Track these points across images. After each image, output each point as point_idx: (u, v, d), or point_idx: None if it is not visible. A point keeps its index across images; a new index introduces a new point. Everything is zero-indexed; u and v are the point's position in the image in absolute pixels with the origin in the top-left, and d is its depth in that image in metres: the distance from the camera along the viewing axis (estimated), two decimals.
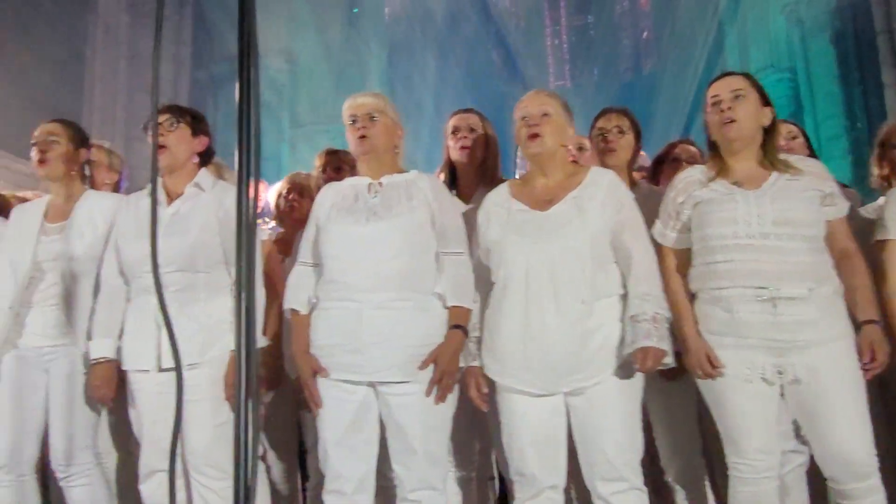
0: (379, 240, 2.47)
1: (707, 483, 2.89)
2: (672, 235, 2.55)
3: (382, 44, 16.23)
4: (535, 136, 2.48)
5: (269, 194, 3.77)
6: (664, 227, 2.57)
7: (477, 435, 2.90)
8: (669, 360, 2.33)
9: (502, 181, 2.95)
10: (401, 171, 2.64)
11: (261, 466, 2.95)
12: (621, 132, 3.02)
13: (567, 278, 2.34)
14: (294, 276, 2.61)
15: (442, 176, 3.10)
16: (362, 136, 2.57)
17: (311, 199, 3.46)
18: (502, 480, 3.20)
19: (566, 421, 2.39)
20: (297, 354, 2.56)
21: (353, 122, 2.59)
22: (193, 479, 2.60)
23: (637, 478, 2.35)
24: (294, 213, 3.43)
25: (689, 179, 2.54)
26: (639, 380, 2.40)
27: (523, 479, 2.40)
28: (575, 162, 3.18)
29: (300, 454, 3.40)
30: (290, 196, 3.46)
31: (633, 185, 2.98)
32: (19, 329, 2.84)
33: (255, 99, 1.08)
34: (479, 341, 2.50)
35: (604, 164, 2.97)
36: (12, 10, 10.38)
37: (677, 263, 2.55)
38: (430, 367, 2.43)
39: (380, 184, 2.59)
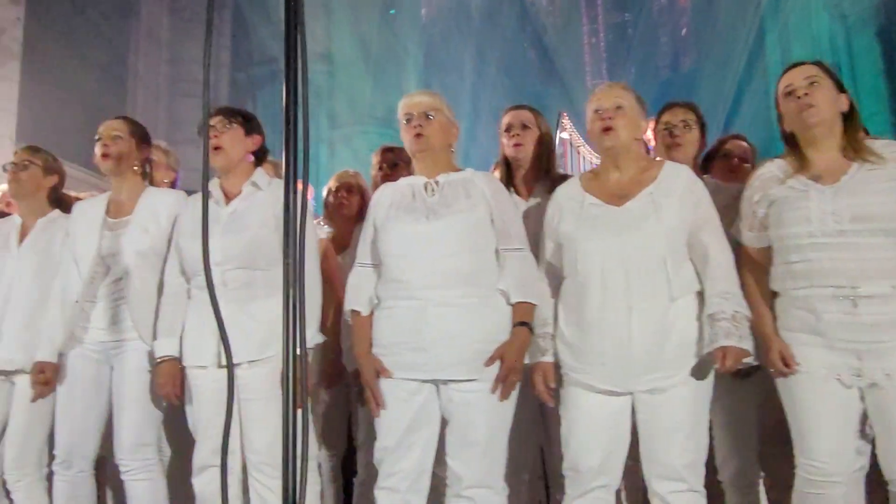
0: (440, 237, 2.46)
1: (762, 488, 2.83)
2: (750, 234, 2.50)
3: (419, 44, 16.27)
4: (608, 129, 2.44)
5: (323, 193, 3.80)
6: (743, 226, 2.51)
7: (533, 433, 2.89)
8: (752, 360, 2.30)
9: (559, 177, 2.95)
10: (456, 170, 2.64)
11: (312, 464, 2.97)
12: (687, 126, 2.96)
13: (643, 275, 2.32)
14: (354, 277, 2.62)
15: (498, 173, 3.09)
16: (418, 135, 2.56)
17: (360, 197, 3.49)
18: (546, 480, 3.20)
19: (631, 420, 2.37)
20: (359, 356, 2.56)
21: (409, 120, 2.59)
22: (251, 477, 2.62)
23: (697, 480, 2.33)
24: (343, 210, 3.47)
25: (766, 176, 2.46)
26: (710, 381, 2.37)
27: (576, 476, 2.38)
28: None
29: (347, 449, 3.42)
30: (339, 194, 3.49)
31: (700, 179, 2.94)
32: (84, 324, 2.88)
33: (304, 99, 1.09)
34: (550, 336, 2.48)
35: (670, 160, 2.93)
36: (58, 18, 10.61)
37: (760, 261, 2.49)
38: (495, 364, 2.41)
39: (436, 182, 2.59)
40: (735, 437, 2.75)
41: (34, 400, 2.88)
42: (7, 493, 3.03)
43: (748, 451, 2.76)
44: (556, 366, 2.49)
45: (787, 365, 2.32)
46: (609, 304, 2.33)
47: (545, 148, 3.01)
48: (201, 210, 2.80)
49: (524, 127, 2.98)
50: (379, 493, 2.46)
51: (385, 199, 2.63)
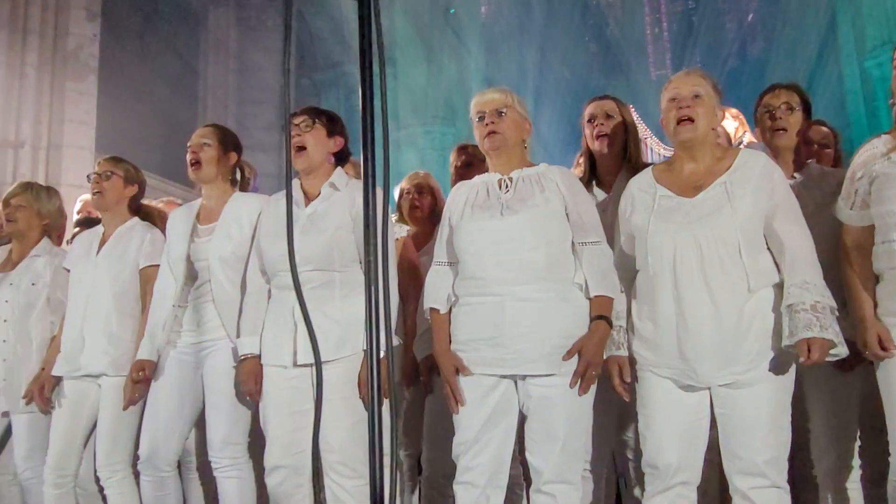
0: (515, 233, 2.48)
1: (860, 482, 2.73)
2: (851, 212, 2.43)
3: (480, 42, 16.25)
4: (686, 119, 2.40)
5: (395, 194, 3.86)
6: (844, 204, 2.45)
7: (608, 427, 2.86)
8: (840, 350, 2.23)
9: (645, 167, 2.88)
10: (530, 165, 2.65)
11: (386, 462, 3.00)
12: (790, 109, 2.87)
13: (718, 266, 2.28)
14: (432, 275, 2.65)
15: (581, 166, 3.08)
16: (491, 132, 2.58)
17: (432, 197, 3.54)
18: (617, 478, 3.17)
19: (710, 415, 2.34)
20: (438, 353, 2.59)
21: (481, 118, 2.61)
22: (327, 477, 2.66)
23: (780, 476, 2.28)
24: (416, 212, 3.52)
25: (870, 152, 2.39)
26: (791, 374, 2.31)
27: (656, 472, 2.36)
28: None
29: None
30: (411, 196, 3.54)
31: (802, 165, 2.85)
32: (178, 328, 3.00)
33: (383, 101, 1.12)
34: (624, 330, 2.47)
35: (772, 145, 2.85)
36: (132, 33, 10.99)
37: (861, 242, 2.41)
38: (574, 359, 2.41)
39: (510, 178, 2.60)
40: (834, 430, 2.67)
41: (131, 402, 2.99)
42: (100, 489, 3.17)
43: (847, 444, 2.67)
44: (632, 360, 2.46)
45: (884, 348, 2.23)
46: (684, 298, 2.30)
47: (630, 138, 2.97)
48: (285, 211, 2.88)
49: (608, 117, 2.95)
50: (458, 488, 2.48)
51: (460, 197, 2.65)
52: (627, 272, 2.53)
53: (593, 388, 2.45)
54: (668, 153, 2.72)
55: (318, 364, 1.29)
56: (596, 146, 2.96)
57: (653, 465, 2.37)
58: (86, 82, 9.45)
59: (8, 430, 3.42)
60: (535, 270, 2.44)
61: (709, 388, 2.33)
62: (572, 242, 2.52)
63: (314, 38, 14.28)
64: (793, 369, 2.32)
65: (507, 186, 2.59)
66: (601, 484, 2.84)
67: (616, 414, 2.86)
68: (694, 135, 2.41)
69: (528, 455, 2.48)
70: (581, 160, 3.13)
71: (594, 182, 2.99)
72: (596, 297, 2.47)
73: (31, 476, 3.29)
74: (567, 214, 2.52)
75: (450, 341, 2.56)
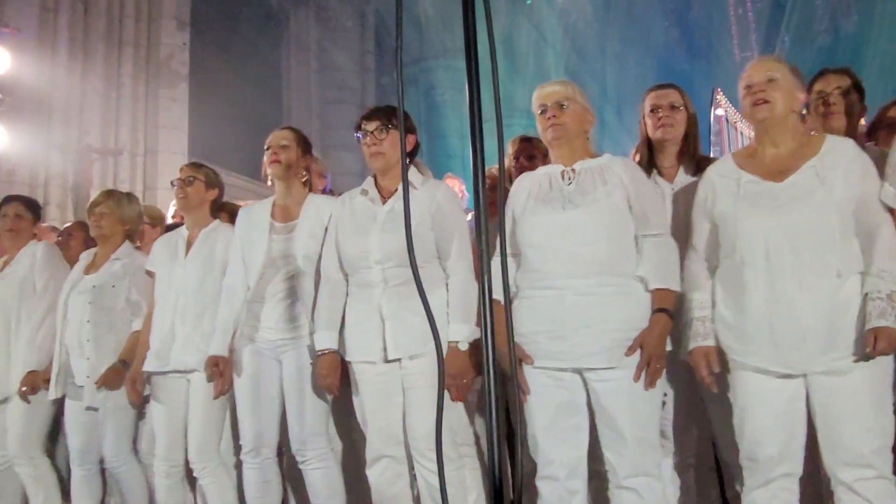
0: (577, 226, 2.47)
1: None
2: None
3: (558, 32, 16.11)
4: (761, 101, 2.36)
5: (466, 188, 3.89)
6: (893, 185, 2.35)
7: (695, 420, 2.82)
8: None
9: (705, 159, 2.87)
10: (593, 156, 2.63)
11: (471, 450, 3.02)
12: (843, 94, 2.82)
13: (811, 251, 2.22)
14: (494, 267, 2.65)
15: (639, 156, 3.04)
16: (553, 124, 2.58)
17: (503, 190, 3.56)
18: (719, 470, 3.10)
19: (806, 403, 2.27)
20: (501, 344, 2.60)
21: (543, 111, 2.61)
22: (417, 464, 2.72)
23: (886, 466, 2.20)
24: (492, 207, 3.52)
25: None
26: (891, 359, 2.23)
27: (755, 465, 2.31)
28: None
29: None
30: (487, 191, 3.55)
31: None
32: (255, 323, 3.08)
33: (497, 91, 1.13)
34: (710, 320, 2.41)
35: (827, 129, 2.78)
36: (218, 39, 11.34)
37: None
38: (637, 353, 2.40)
39: (573, 170, 2.59)
40: None
41: (217, 394, 3.11)
42: (194, 480, 3.31)
43: None
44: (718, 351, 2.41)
45: None
46: (776, 283, 2.24)
47: (691, 128, 2.92)
48: (362, 209, 2.90)
49: (672, 107, 2.89)
50: (540, 483, 2.49)
51: (523, 189, 2.65)
52: (710, 262, 2.48)
53: (661, 380, 2.43)
54: None
55: (440, 352, 1.30)
56: (658, 135, 2.89)
57: (752, 458, 2.32)
58: (177, 89, 9.84)
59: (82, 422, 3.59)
60: (595, 264, 2.43)
61: (804, 376, 2.26)
62: (635, 235, 2.50)
63: (392, 37, 14.44)
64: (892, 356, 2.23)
65: (569, 178, 2.58)
66: (689, 473, 2.80)
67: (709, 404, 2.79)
68: (770, 114, 2.36)
69: (603, 450, 2.47)
70: (639, 151, 3.07)
71: (653, 172, 2.93)
72: (657, 289, 2.44)
73: (120, 465, 3.49)
74: (630, 206, 2.50)
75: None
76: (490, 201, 3.64)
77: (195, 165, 3.53)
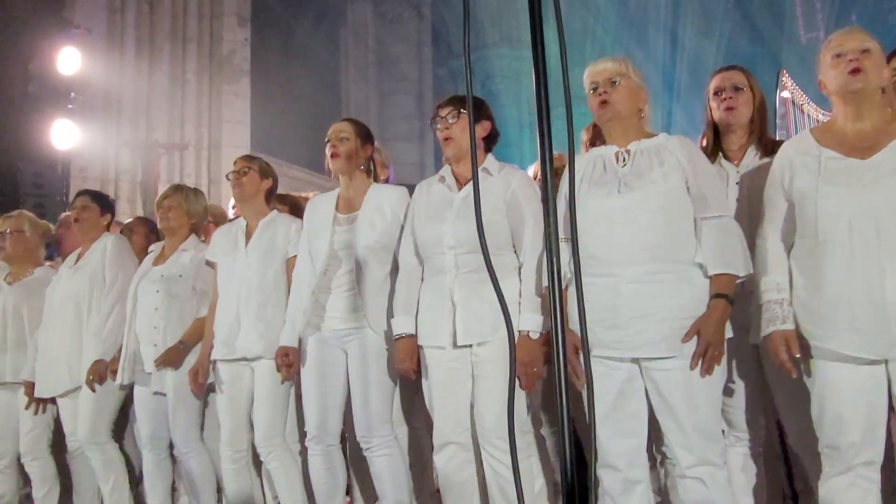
0: (633, 211, 2.40)
1: None
2: None
3: (616, 19, 15.87)
4: (856, 70, 2.24)
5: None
6: None
7: (762, 406, 2.77)
8: None
9: (773, 141, 2.79)
10: (648, 136, 2.54)
11: (533, 440, 3.02)
12: None
13: None
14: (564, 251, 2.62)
15: (706, 139, 2.98)
16: (603, 102, 2.50)
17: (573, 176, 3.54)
18: (786, 458, 3.05)
19: (888, 391, 2.19)
20: None
21: (594, 88, 2.52)
22: (484, 452, 2.73)
23: None
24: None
25: None
26: None
27: (836, 454, 2.22)
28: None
29: None
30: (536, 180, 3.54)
31: None
32: (320, 313, 3.13)
33: (566, 77, 1.14)
34: (787, 303, 2.32)
35: None
36: (278, 34, 11.51)
37: None
38: (694, 341, 2.34)
39: (627, 151, 2.51)
40: None
41: (283, 381, 3.19)
42: (261, 463, 3.40)
43: None
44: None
45: None
46: (858, 265, 2.16)
47: (758, 109, 2.83)
48: (439, 196, 2.91)
49: (736, 89, 2.80)
50: (601, 472, 2.45)
51: (576, 173, 2.55)
52: (785, 242, 2.39)
53: (720, 368, 2.36)
54: (827, 119, 2.54)
55: (512, 340, 1.31)
56: (722, 117, 2.82)
57: (833, 446, 2.24)
58: (239, 84, 10.04)
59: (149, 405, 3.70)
60: (652, 250, 2.36)
61: (885, 362, 2.18)
62: (694, 218, 2.42)
63: (449, 28, 14.43)
64: None
65: (624, 160, 2.50)
66: (759, 461, 2.73)
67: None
68: (865, 85, 2.25)
69: (665, 441, 2.43)
70: (705, 135, 3.01)
71: (719, 155, 2.86)
72: (716, 275, 2.36)
73: (188, 451, 3.59)
74: (688, 188, 2.42)
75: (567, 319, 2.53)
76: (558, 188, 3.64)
77: (248, 157, 3.62)
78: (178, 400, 3.56)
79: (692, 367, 2.32)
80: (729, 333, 2.38)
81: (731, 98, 2.80)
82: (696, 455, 2.35)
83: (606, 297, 2.38)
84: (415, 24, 14.12)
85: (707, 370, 2.32)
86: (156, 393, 3.62)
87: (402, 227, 3.04)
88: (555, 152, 1.31)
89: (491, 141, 2.94)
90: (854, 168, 2.23)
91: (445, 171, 2.93)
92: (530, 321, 2.66)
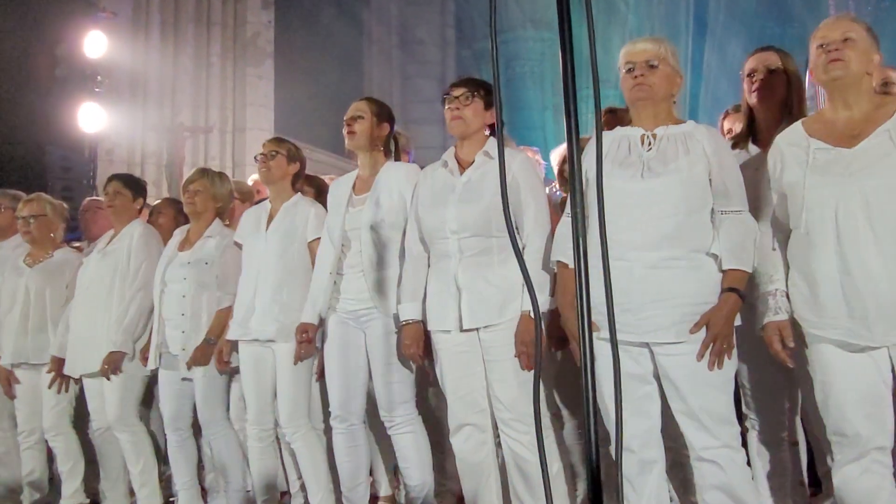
0: (654, 197, 2.39)
1: None
2: None
3: None
4: (835, 60, 2.24)
5: (552, 159, 3.85)
6: None
7: (783, 391, 2.76)
8: None
9: None
10: (676, 122, 2.53)
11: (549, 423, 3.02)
12: None
13: (888, 218, 2.13)
14: (562, 227, 2.59)
15: (739, 123, 2.95)
16: (639, 84, 2.48)
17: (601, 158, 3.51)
18: (809, 445, 3.03)
19: (891, 375, 2.19)
20: (563, 307, 2.56)
21: (630, 69, 2.50)
22: (502, 433, 2.78)
23: None
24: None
25: None
26: None
27: (844, 440, 2.23)
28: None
29: None
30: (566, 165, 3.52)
31: None
32: (337, 295, 3.19)
33: (594, 56, 1.13)
34: (782, 293, 2.34)
35: None
36: (302, 16, 11.51)
37: None
38: (705, 329, 2.34)
39: (653, 135, 2.49)
40: None
41: (298, 360, 3.24)
42: (287, 444, 3.46)
43: None
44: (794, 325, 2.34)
45: None
46: (849, 254, 2.16)
47: (793, 90, 2.78)
48: (442, 181, 2.90)
49: (769, 71, 2.77)
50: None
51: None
52: (782, 233, 2.40)
53: (730, 360, 2.37)
54: None
55: (538, 320, 1.31)
56: (753, 100, 2.80)
57: (839, 434, 2.24)
58: (263, 67, 10.06)
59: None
60: (668, 238, 2.36)
61: (886, 347, 2.18)
62: (712, 209, 2.42)
63: (472, 10, 14.34)
64: None
65: (649, 143, 2.48)
66: (781, 447, 2.75)
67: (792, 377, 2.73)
68: (845, 72, 2.24)
69: (677, 424, 2.43)
70: (726, 117, 2.97)
71: (751, 139, 2.83)
72: (729, 269, 2.37)
73: (215, 431, 3.66)
74: (710, 179, 2.42)
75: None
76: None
77: (277, 140, 3.63)
78: (206, 383, 3.61)
79: (698, 358, 2.33)
80: (737, 321, 2.38)
81: (762, 80, 2.77)
82: (709, 437, 2.35)
83: (620, 280, 2.33)
84: (438, 6, 14.04)
85: (714, 362, 2.33)
86: (183, 379, 3.67)
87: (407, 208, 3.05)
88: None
89: (493, 127, 2.93)
90: (841, 157, 2.23)
91: (448, 155, 2.95)
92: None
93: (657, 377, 2.44)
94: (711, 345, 2.33)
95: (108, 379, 3.75)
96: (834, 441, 2.27)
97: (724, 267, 2.38)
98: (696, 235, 2.39)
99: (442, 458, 3.38)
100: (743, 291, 2.37)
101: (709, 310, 2.35)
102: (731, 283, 2.37)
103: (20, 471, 4.08)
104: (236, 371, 3.57)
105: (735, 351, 2.40)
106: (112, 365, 3.73)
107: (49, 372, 3.96)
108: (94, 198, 5.22)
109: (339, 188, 3.32)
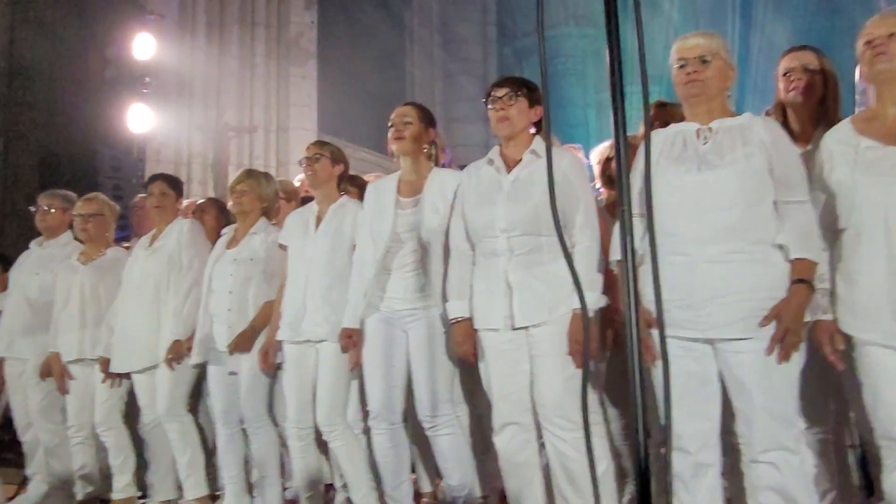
0: (712, 189, 2.36)
1: None
2: None
3: None
4: (881, 53, 2.21)
5: (592, 158, 3.82)
6: None
7: (831, 393, 2.70)
8: None
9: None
10: (731, 115, 2.50)
11: (597, 420, 2.99)
12: None
13: None
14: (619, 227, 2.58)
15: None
16: (692, 80, 2.45)
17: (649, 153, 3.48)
18: (863, 448, 2.96)
19: None
20: (616, 301, 2.57)
21: (682, 65, 2.48)
22: (546, 432, 2.76)
23: None
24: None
25: None
26: None
27: (894, 444, 2.19)
28: None
29: None
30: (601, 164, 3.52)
31: None
32: (381, 294, 3.21)
33: (642, 55, 1.12)
34: (829, 293, 2.30)
35: None
36: (345, 16, 11.59)
37: None
38: (773, 324, 2.29)
39: (709, 129, 2.46)
40: None
41: (353, 366, 3.28)
42: (324, 442, 3.48)
43: None
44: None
45: None
46: None
47: (829, 90, 2.76)
48: (489, 179, 2.88)
49: (805, 70, 2.74)
50: (673, 455, 2.42)
51: (654, 148, 2.48)
52: (828, 232, 2.36)
53: (798, 354, 2.31)
54: None
55: (586, 318, 1.31)
56: (790, 98, 2.76)
57: (889, 437, 2.20)
58: (306, 67, 10.16)
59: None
60: (729, 230, 2.32)
61: None
62: (774, 201, 2.37)
63: (514, 8, 14.30)
64: None
65: (705, 138, 2.45)
66: (828, 448, 2.68)
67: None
68: (890, 65, 2.21)
69: (737, 424, 2.39)
70: (773, 115, 2.92)
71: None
72: (797, 259, 2.32)
73: (257, 427, 3.72)
74: (771, 170, 2.36)
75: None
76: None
77: (321, 143, 3.68)
78: (251, 379, 3.67)
79: (768, 353, 2.28)
80: (810, 316, 2.33)
81: (798, 79, 2.75)
82: (768, 439, 2.31)
83: (682, 276, 2.35)
84: (480, 4, 14.03)
85: (784, 356, 2.27)
86: (230, 373, 3.74)
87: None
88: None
89: (540, 125, 2.93)
90: (891, 156, 2.18)
91: (494, 153, 2.95)
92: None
93: (720, 377, 2.40)
94: (781, 339, 2.28)
95: (172, 368, 3.84)
96: (884, 445, 2.23)
97: (792, 256, 2.32)
98: (759, 227, 2.34)
99: (484, 459, 3.38)
100: (813, 282, 2.32)
101: (778, 303, 2.30)
102: (800, 273, 2.31)
103: (71, 463, 4.18)
104: (280, 368, 3.62)
105: (804, 346, 2.34)
106: (176, 353, 3.84)
107: (101, 371, 4.07)
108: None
109: (380, 191, 3.33)
